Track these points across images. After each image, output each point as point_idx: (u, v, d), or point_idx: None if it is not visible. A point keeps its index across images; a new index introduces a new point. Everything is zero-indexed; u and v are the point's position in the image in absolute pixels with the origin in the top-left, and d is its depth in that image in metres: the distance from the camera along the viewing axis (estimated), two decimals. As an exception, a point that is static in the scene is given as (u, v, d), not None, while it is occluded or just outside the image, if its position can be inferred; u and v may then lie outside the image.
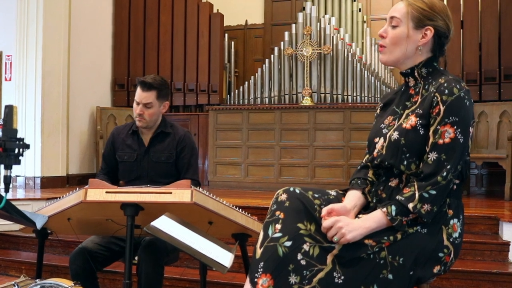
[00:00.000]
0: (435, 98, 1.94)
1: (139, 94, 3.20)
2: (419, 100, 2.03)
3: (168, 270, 3.25)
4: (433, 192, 1.88)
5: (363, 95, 7.04)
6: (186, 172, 3.25)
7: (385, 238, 1.87)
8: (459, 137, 1.90)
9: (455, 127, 1.90)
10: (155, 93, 3.19)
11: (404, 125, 1.99)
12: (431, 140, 1.93)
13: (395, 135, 1.99)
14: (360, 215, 2.00)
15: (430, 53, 2.07)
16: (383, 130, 2.08)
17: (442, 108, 1.91)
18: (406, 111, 2.05)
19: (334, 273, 1.81)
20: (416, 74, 2.08)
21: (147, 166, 3.25)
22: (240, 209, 2.54)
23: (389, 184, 2.04)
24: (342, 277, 1.81)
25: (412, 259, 1.87)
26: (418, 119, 1.97)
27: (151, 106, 3.20)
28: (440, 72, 2.05)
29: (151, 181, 3.13)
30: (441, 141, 1.91)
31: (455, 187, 1.99)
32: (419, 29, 2.02)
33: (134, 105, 3.24)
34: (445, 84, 1.94)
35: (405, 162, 1.97)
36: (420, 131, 1.96)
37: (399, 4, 2.07)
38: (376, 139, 2.10)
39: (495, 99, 6.28)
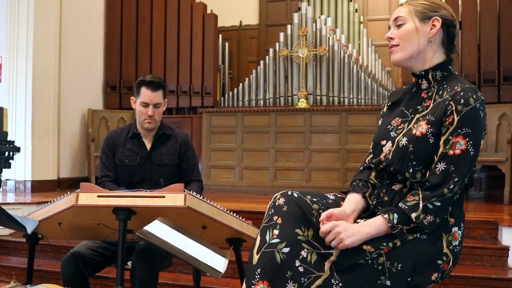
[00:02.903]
0: (450, 106, 1.89)
1: (149, 96, 3.14)
2: (432, 105, 1.98)
3: (161, 276, 3.22)
4: (438, 203, 1.86)
5: (359, 97, 7.00)
6: (192, 174, 3.30)
7: (384, 244, 1.84)
8: (470, 149, 1.87)
9: (467, 139, 1.86)
10: (162, 92, 3.19)
11: (413, 131, 1.95)
12: (441, 149, 1.89)
13: (404, 141, 1.95)
14: (359, 220, 1.97)
15: (442, 48, 2.03)
16: (391, 133, 2.04)
17: (456, 118, 1.87)
18: (417, 116, 2.01)
19: (332, 280, 1.79)
20: (430, 77, 2.04)
21: (150, 169, 3.22)
22: (235, 214, 2.53)
23: (393, 187, 2.01)
24: (340, 284, 1.79)
25: (411, 265, 1.85)
26: (429, 126, 1.92)
27: (160, 106, 3.19)
28: (456, 77, 2.01)
29: (154, 184, 3.11)
30: (451, 152, 1.87)
31: (458, 195, 1.95)
32: (426, 21, 2.00)
33: (141, 108, 3.17)
34: (462, 93, 1.89)
35: (410, 170, 1.93)
36: (430, 139, 1.91)
37: (400, 7, 2.08)
38: (383, 142, 2.05)
39: (494, 101, 6.22)
